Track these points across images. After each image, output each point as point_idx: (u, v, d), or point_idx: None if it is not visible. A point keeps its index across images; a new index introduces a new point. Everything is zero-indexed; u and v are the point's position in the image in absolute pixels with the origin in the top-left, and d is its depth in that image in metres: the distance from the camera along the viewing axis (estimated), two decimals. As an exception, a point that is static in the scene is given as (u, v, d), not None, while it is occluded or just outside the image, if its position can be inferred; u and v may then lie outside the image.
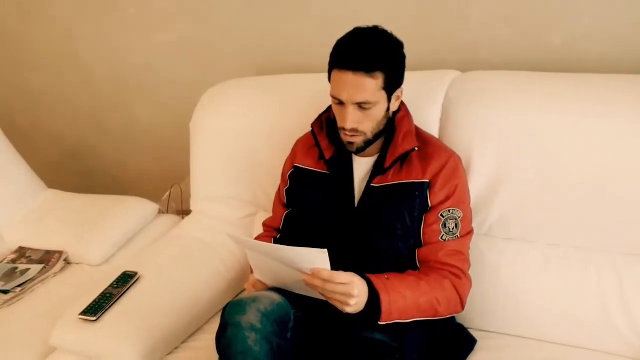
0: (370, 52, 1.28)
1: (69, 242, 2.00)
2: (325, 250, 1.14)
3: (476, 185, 1.52)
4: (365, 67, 1.27)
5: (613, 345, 1.41)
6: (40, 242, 2.04)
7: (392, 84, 1.33)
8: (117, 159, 2.77)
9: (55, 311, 1.64)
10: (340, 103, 1.32)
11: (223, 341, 1.22)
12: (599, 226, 1.45)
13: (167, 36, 2.34)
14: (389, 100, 1.34)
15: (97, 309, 1.52)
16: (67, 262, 1.98)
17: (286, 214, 1.55)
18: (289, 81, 1.92)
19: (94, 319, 1.50)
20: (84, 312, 1.51)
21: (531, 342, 1.48)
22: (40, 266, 1.93)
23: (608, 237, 1.45)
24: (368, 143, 1.37)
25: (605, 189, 1.42)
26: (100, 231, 2.01)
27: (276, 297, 1.29)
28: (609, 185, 1.41)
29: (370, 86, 1.28)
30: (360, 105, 1.30)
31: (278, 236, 1.56)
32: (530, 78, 1.59)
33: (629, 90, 1.47)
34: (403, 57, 1.35)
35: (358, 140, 1.36)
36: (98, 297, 1.57)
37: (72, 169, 2.89)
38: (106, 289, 1.59)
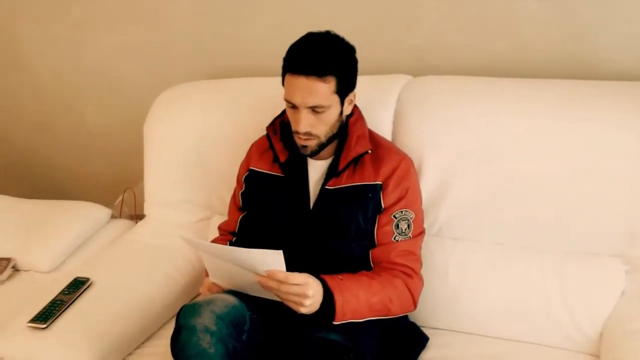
0: (322, 56, 1.30)
1: (17, 248, 1.95)
2: (281, 252, 1.16)
3: (427, 186, 1.56)
4: (317, 71, 1.28)
5: (556, 339, 1.46)
6: (-14, 249, 1.97)
7: (345, 88, 1.35)
8: (66, 163, 2.71)
9: (3, 319, 1.60)
10: (294, 107, 1.34)
11: (178, 344, 1.21)
12: (541, 226, 1.50)
13: (117, 38, 2.31)
14: (342, 104, 1.37)
15: (47, 316, 1.49)
16: (16, 269, 1.93)
17: (242, 217, 1.55)
18: (242, 85, 1.92)
19: (44, 326, 1.46)
20: (34, 320, 1.48)
21: (481, 338, 1.51)
22: (-13, 274, 1.87)
23: (550, 236, 1.51)
24: (322, 146, 1.39)
25: (546, 191, 1.48)
26: (50, 237, 1.96)
27: (231, 300, 1.30)
28: (550, 187, 1.47)
29: (322, 90, 1.30)
30: (313, 109, 1.32)
31: (234, 239, 1.56)
32: (480, 83, 1.64)
33: (572, 94, 1.54)
34: (355, 61, 1.37)
35: (312, 143, 1.37)
36: (48, 304, 1.53)
37: (18, 173, 2.81)
38: (57, 296, 1.56)
